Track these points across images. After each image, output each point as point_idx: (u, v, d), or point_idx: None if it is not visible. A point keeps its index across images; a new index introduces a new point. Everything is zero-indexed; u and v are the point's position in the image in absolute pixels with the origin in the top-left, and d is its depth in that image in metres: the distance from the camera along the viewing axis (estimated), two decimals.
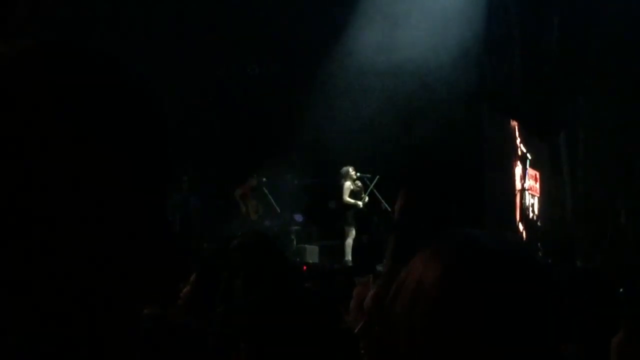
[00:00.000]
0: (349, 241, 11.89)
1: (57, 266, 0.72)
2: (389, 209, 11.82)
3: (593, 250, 13.67)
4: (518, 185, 16.31)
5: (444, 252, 1.15)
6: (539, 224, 16.77)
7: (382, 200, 11.90)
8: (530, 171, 16.88)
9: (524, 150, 16.66)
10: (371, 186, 11.98)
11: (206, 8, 12.39)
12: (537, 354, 1.10)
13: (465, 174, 12.84)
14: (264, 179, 12.33)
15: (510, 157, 16.31)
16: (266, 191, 12.29)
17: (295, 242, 12.24)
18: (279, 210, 12.23)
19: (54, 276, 0.72)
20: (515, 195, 16.08)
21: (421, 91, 12.96)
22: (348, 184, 11.80)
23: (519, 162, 16.52)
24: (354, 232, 11.91)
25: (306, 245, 12.19)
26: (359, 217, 11.97)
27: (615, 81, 14.30)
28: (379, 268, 9.93)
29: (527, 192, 16.58)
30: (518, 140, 16.46)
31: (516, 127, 16.38)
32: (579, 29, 14.70)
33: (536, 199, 17.57)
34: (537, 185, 17.70)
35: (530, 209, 17.00)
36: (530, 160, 16.72)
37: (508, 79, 15.18)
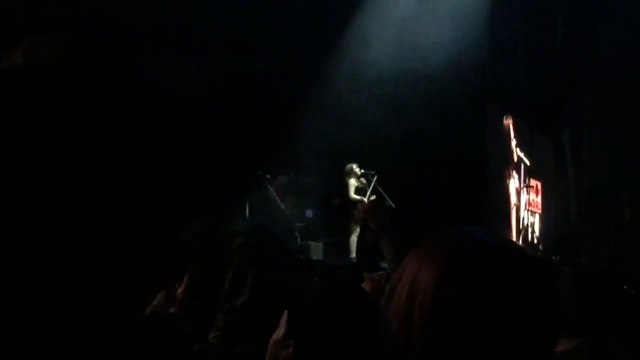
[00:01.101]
0: (353, 238, 11.90)
1: (56, 266, 0.72)
2: (394, 206, 11.82)
3: (597, 247, 13.64)
4: (513, 199, 14.64)
5: (439, 251, 1.14)
6: (540, 247, 14.84)
7: (387, 197, 11.90)
8: (531, 182, 15.13)
9: (521, 156, 15.07)
10: (373, 180, 11.96)
11: (211, 5, 12.37)
12: (535, 352, 1.10)
13: (467, 176, 12.81)
14: (268, 176, 12.31)
15: (503, 166, 14.65)
16: (271, 188, 12.28)
17: (299, 239, 12.23)
18: (283, 207, 12.22)
19: (53, 277, 0.72)
20: (510, 212, 14.42)
21: (426, 90, 12.93)
22: (353, 181, 11.83)
23: (514, 173, 14.90)
24: (358, 229, 11.92)
25: (310, 242, 12.17)
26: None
27: (619, 78, 14.26)
28: (383, 265, 9.94)
29: (525, 209, 14.78)
30: (513, 144, 14.98)
31: (511, 127, 14.95)
32: (583, 26, 14.66)
33: (537, 216, 15.57)
34: (539, 199, 15.73)
35: (530, 229, 15.09)
36: (528, 167, 15.00)
37: (512, 76, 15.12)
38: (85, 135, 0.73)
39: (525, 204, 14.81)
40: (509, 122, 14.91)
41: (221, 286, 2.50)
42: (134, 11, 10.83)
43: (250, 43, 12.94)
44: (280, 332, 1.87)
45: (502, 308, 1.08)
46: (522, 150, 15.23)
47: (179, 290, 3.19)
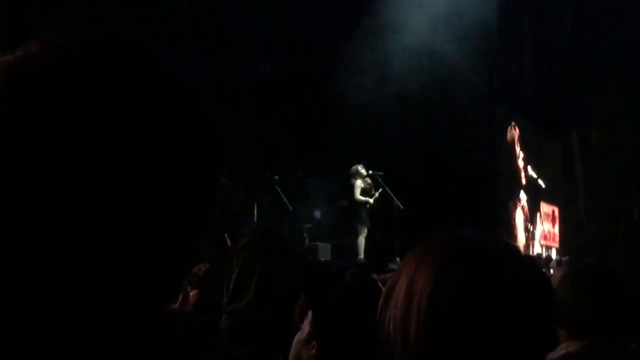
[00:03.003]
0: (361, 239, 11.88)
1: (70, 268, 0.71)
2: (401, 206, 11.81)
3: (606, 247, 13.60)
4: (521, 239, 12.81)
5: (436, 252, 1.14)
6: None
7: (394, 198, 11.88)
8: (545, 207, 13.78)
9: (532, 175, 13.52)
10: (378, 179, 11.95)
11: (215, 5, 12.37)
12: (532, 351, 1.10)
13: (474, 176, 12.72)
14: (276, 177, 12.30)
15: (508, 197, 12.87)
16: (278, 189, 12.26)
17: (307, 240, 12.22)
18: (290, 208, 12.20)
19: (67, 278, 0.71)
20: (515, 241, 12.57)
21: (434, 91, 12.91)
22: (359, 182, 11.80)
23: (522, 199, 13.12)
24: (366, 229, 11.91)
25: (318, 243, 12.16)
26: (371, 215, 11.96)
27: (626, 78, 14.22)
28: (392, 266, 9.95)
29: (538, 244, 13.31)
30: (520, 157, 13.49)
31: (516, 139, 13.46)
32: (590, 27, 14.62)
33: (554, 252, 13.74)
34: (556, 230, 13.97)
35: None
36: (539, 188, 13.44)
37: (520, 78, 15.09)
38: (104, 130, 0.70)
39: (540, 238, 13.50)
40: (513, 133, 13.60)
41: (226, 287, 2.51)
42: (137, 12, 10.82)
43: (256, 44, 12.95)
44: (304, 332, 1.88)
45: (498, 309, 1.08)
46: (533, 167, 13.68)
47: (192, 293, 3.21)
